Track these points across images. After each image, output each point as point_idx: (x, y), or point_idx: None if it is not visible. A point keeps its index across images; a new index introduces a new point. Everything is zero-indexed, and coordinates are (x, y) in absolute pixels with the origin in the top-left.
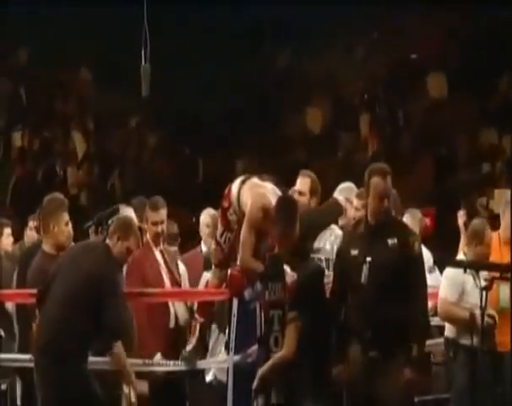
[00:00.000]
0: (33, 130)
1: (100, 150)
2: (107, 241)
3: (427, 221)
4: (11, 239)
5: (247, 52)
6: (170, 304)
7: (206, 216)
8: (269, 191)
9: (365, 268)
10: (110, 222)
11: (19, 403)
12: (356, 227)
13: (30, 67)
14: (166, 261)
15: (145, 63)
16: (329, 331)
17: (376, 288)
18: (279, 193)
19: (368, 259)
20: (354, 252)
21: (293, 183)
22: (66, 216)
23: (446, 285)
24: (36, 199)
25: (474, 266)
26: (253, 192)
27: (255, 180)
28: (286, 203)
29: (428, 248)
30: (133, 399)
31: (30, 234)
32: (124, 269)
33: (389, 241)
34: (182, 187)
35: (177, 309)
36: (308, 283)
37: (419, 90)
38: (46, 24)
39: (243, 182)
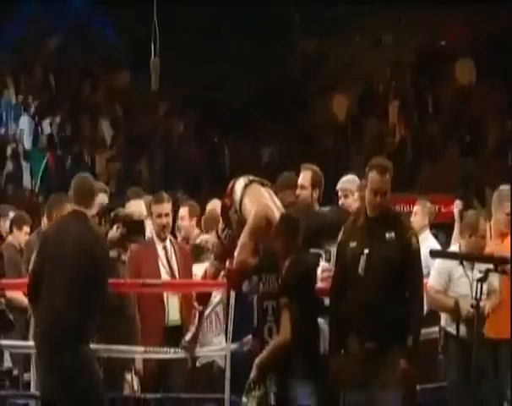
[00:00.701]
0: (63, 118)
1: (128, 137)
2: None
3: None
4: (27, 237)
5: (276, 40)
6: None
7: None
8: (270, 200)
9: (362, 260)
10: (112, 213)
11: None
12: (355, 219)
13: (61, 55)
14: (167, 256)
15: (155, 57)
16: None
17: (373, 279)
18: (277, 201)
19: (366, 251)
20: (353, 244)
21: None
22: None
23: (434, 273)
24: (64, 185)
25: (468, 257)
26: (258, 202)
27: (257, 187)
28: (289, 221)
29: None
30: (136, 385)
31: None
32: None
33: (387, 234)
34: (209, 174)
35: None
36: (298, 270)
37: (447, 77)
38: (76, 14)
39: (246, 186)
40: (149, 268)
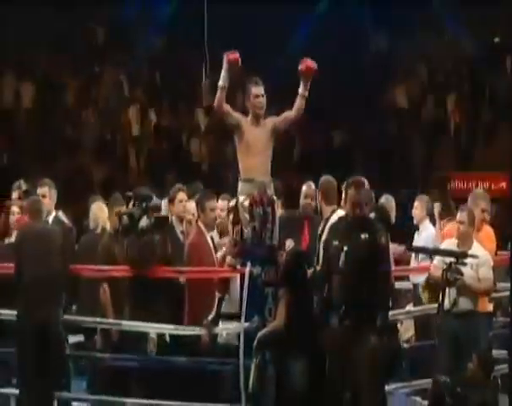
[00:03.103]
0: (165, 108)
1: (218, 124)
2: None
3: (504, 185)
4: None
5: (349, 34)
6: None
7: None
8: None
9: (342, 255)
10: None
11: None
12: (338, 222)
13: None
14: (214, 245)
15: (205, 79)
16: (312, 303)
17: (350, 271)
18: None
19: (345, 248)
20: (335, 243)
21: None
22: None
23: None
24: (166, 168)
25: (435, 252)
26: None
27: None
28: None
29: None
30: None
31: None
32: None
33: (362, 235)
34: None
35: None
36: (293, 265)
37: (502, 71)
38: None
39: None
40: (209, 256)
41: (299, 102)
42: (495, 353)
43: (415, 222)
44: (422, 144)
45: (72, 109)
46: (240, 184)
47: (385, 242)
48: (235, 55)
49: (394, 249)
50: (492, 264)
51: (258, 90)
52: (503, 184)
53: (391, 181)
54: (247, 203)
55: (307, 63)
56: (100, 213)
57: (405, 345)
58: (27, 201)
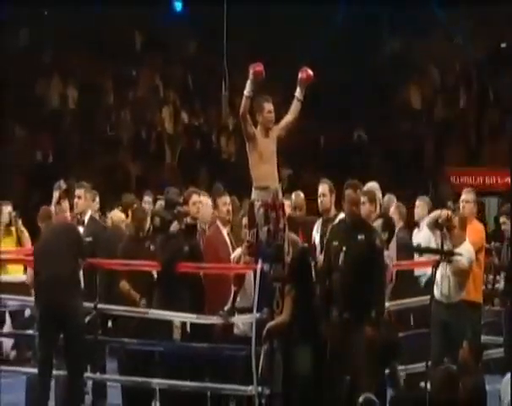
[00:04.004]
0: (196, 109)
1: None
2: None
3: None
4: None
5: (367, 37)
6: None
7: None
8: None
9: (342, 255)
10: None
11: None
12: (338, 224)
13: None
14: (230, 240)
15: (225, 91)
16: (315, 297)
17: (349, 269)
18: None
19: (344, 248)
20: (335, 243)
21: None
22: None
23: None
24: (197, 164)
25: (423, 250)
26: None
27: None
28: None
29: None
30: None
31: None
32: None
33: (359, 236)
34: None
35: None
36: (298, 264)
37: (508, 73)
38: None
39: None
40: (225, 249)
41: (296, 106)
42: (488, 339)
43: (416, 219)
44: (434, 141)
45: (111, 110)
46: (255, 191)
47: (380, 243)
48: (259, 67)
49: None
50: (474, 257)
51: (269, 106)
52: (509, 179)
53: (404, 177)
54: (262, 209)
55: (308, 73)
56: (115, 216)
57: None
58: (41, 210)
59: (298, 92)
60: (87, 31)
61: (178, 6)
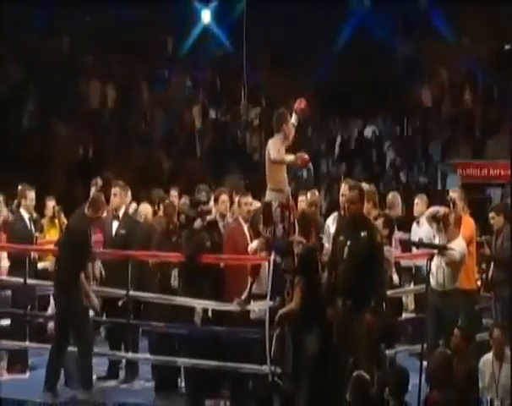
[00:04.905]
0: (223, 107)
1: (266, 121)
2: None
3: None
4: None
5: (381, 40)
6: None
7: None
8: None
9: (346, 249)
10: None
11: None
12: (344, 221)
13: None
14: (250, 234)
15: (244, 100)
16: (321, 287)
17: (352, 262)
18: None
19: (348, 243)
20: (341, 238)
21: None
22: None
23: None
24: (224, 158)
25: (421, 245)
26: None
27: None
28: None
29: None
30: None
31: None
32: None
33: (362, 233)
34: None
35: None
36: (307, 257)
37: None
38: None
39: None
40: (244, 243)
41: (292, 130)
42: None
43: (415, 214)
44: (443, 136)
45: (146, 108)
46: (271, 193)
47: (380, 239)
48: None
49: (401, 237)
50: (465, 251)
51: (295, 120)
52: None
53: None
54: (278, 209)
55: (302, 106)
56: (144, 210)
57: (409, 315)
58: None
59: (294, 119)
60: (125, 38)
61: (205, 18)
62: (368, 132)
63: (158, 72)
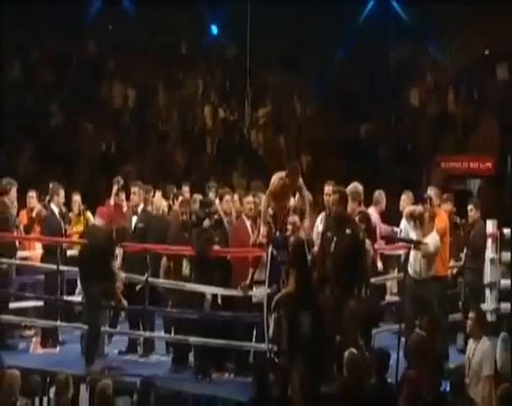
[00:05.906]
0: (232, 107)
1: (274, 118)
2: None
3: (490, 165)
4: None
5: (378, 45)
6: None
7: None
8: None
9: (333, 244)
10: (207, 209)
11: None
12: (330, 219)
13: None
14: (252, 229)
15: (248, 106)
16: (312, 277)
17: (338, 255)
18: None
19: (335, 239)
20: (328, 234)
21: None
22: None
23: None
24: (232, 153)
25: (400, 240)
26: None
27: None
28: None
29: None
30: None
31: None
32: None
33: (346, 230)
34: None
35: None
36: (298, 251)
37: (490, 76)
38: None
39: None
40: (247, 237)
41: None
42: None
43: (401, 209)
44: (428, 133)
45: (162, 108)
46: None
47: (362, 236)
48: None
49: (385, 229)
50: (439, 244)
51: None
52: (489, 164)
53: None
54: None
55: (292, 178)
56: (159, 202)
57: (392, 298)
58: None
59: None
60: (144, 43)
61: (214, 30)
62: (362, 130)
63: (173, 74)
